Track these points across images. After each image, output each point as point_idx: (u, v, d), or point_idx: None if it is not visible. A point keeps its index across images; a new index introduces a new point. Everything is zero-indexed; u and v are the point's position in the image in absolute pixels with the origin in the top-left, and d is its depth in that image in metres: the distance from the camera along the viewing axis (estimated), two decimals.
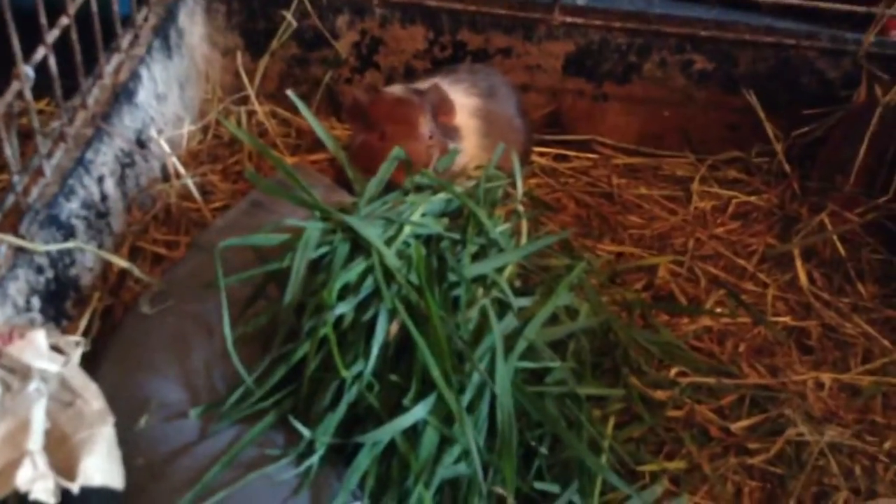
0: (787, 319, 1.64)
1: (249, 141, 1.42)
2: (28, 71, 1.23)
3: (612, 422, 1.32)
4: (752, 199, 1.91)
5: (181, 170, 1.64)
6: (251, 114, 1.92)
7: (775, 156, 1.95)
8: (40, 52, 1.27)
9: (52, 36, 1.29)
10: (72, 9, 1.36)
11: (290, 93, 1.43)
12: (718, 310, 1.63)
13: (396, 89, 1.58)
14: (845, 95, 1.90)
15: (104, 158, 1.47)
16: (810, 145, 1.94)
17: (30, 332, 0.95)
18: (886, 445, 1.40)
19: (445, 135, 1.58)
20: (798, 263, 1.74)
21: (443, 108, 1.57)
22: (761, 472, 1.36)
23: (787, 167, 1.94)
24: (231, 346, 1.13)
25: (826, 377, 1.52)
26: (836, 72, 1.91)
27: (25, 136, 1.35)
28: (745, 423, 1.41)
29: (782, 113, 1.94)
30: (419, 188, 1.39)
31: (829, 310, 1.67)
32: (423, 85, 1.61)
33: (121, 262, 1.36)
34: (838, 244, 1.78)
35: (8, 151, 1.20)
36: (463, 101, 1.65)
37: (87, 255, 1.38)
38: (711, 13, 1.93)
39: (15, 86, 1.21)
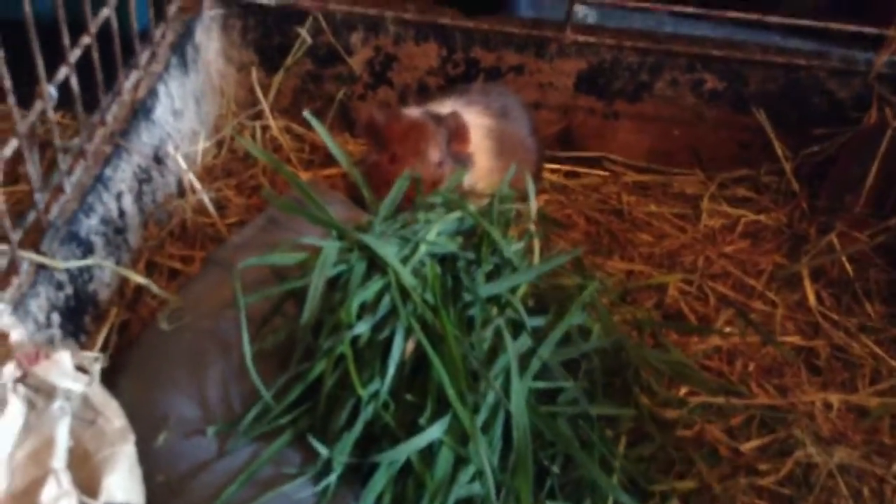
0: (795, 339, 1.65)
1: (264, 157, 1.43)
2: (51, 90, 1.25)
3: (623, 441, 1.33)
4: (762, 217, 1.92)
5: (197, 185, 1.66)
6: (265, 129, 1.94)
7: (784, 175, 1.96)
8: (63, 72, 1.29)
9: (74, 55, 1.31)
10: (93, 27, 1.38)
11: (306, 113, 1.45)
12: (728, 329, 1.64)
13: (414, 112, 1.60)
14: (855, 116, 1.91)
15: (122, 175, 1.49)
16: (819, 165, 1.96)
17: (55, 353, 0.96)
18: (894, 467, 1.41)
19: (457, 162, 1.59)
20: (807, 283, 1.75)
21: (458, 135, 1.58)
22: (770, 493, 1.37)
23: (795, 186, 1.95)
24: (250, 362, 1.14)
25: (834, 398, 1.53)
26: (846, 92, 1.93)
27: (42, 150, 1.36)
28: (754, 443, 1.43)
29: (792, 132, 1.96)
30: (430, 207, 1.41)
31: (838, 330, 1.68)
32: (442, 109, 1.63)
33: (138, 279, 1.37)
34: (847, 264, 1.79)
35: (31, 170, 1.21)
36: (476, 121, 1.66)
37: (105, 270, 1.40)
38: (722, 31, 1.94)
39: (38, 105, 1.23)
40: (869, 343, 1.65)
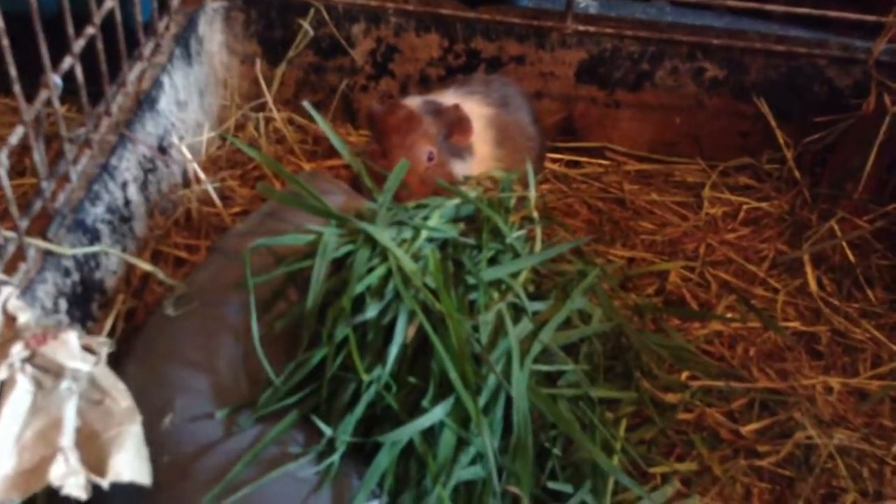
0: (796, 324, 1.66)
1: (257, 156, 1.40)
2: (56, 80, 1.26)
3: (623, 424, 1.34)
4: (763, 205, 1.93)
5: (202, 175, 1.67)
6: (269, 120, 1.95)
7: (785, 163, 1.97)
8: (67, 62, 1.31)
9: (78, 46, 1.33)
10: (97, 18, 1.40)
11: (306, 104, 1.46)
12: (729, 315, 1.65)
13: (415, 102, 1.61)
14: (855, 104, 1.91)
15: (128, 164, 1.50)
16: (820, 152, 1.97)
17: (63, 333, 0.98)
18: (894, 449, 1.42)
19: (454, 154, 1.60)
20: (808, 269, 1.76)
21: (459, 128, 1.58)
22: (771, 473, 1.39)
23: (797, 174, 1.96)
24: (258, 345, 1.16)
25: (835, 382, 1.54)
26: (847, 80, 1.93)
27: (48, 141, 1.38)
28: (754, 426, 1.44)
29: (793, 120, 1.97)
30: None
31: (839, 315, 1.69)
32: (445, 99, 1.64)
33: (144, 266, 1.39)
34: (847, 250, 1.80)
35: (37, 158, 1.23)
36: (477, 111, 1.67)
37: (112, 258, 1.42)
38: (722, 20, 1.95)
39: (43, 94, 1.25)
40: (870, 328, 1.66)
